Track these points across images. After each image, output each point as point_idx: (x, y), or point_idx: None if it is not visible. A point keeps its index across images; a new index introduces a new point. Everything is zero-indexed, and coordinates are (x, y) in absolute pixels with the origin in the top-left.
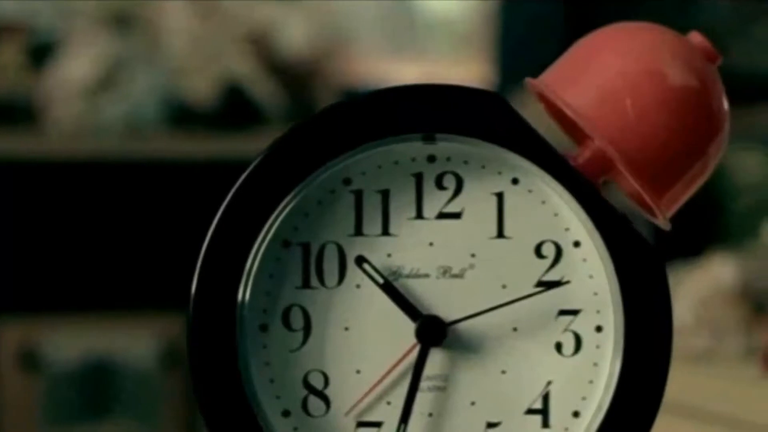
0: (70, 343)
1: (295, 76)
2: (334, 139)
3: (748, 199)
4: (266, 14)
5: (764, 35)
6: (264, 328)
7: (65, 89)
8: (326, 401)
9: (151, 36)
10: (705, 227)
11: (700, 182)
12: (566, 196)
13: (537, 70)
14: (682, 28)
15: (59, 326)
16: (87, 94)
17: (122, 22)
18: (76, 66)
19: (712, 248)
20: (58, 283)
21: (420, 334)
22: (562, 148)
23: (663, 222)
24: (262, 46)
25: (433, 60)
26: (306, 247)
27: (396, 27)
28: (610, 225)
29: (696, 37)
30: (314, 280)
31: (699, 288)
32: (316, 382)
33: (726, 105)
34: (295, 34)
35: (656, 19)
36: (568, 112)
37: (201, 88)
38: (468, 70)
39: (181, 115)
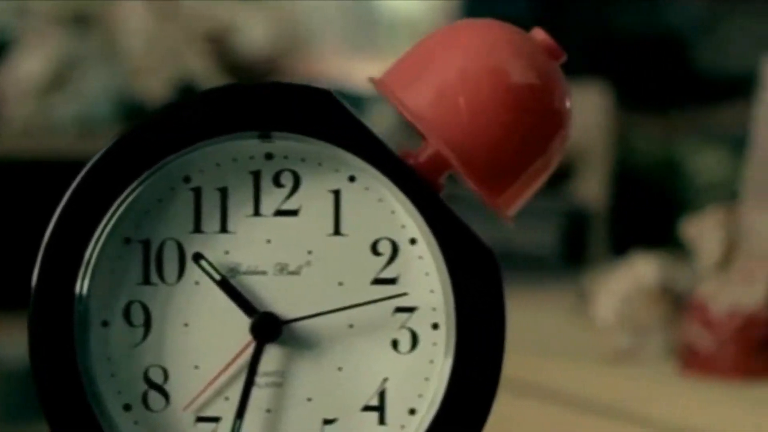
0: (21, 341)
1: (255, 76)
2: (172, 137)
3: (710, 197)
4: (226, 14)
5: (728, 35)
6: (105, 323)
7: (19, 88)
8: (166, 396)
9: (108, 35)
10: (667, 225)
11: (542, 179)
12: (401, 194)
13: None
14: (650, 28)
15: (10, 324)
16: (40, 93)
17: (79, 21)
18: (30, 64)
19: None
20: (9, 281)
21: (255, 331)
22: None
23: (507, 219)
24: (221, 46)
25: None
26: (146, 244)
27: (358, 26)
28: (444, 224)
29: (539, 34)
30: (154, 277)
31: (622, 287)
32: (156, 377)
33: (569, 102)
34: (255, 34)
35: (625, 19)
36: (404, 112)
37: (156, 87)
38: None
39: (136, 115)
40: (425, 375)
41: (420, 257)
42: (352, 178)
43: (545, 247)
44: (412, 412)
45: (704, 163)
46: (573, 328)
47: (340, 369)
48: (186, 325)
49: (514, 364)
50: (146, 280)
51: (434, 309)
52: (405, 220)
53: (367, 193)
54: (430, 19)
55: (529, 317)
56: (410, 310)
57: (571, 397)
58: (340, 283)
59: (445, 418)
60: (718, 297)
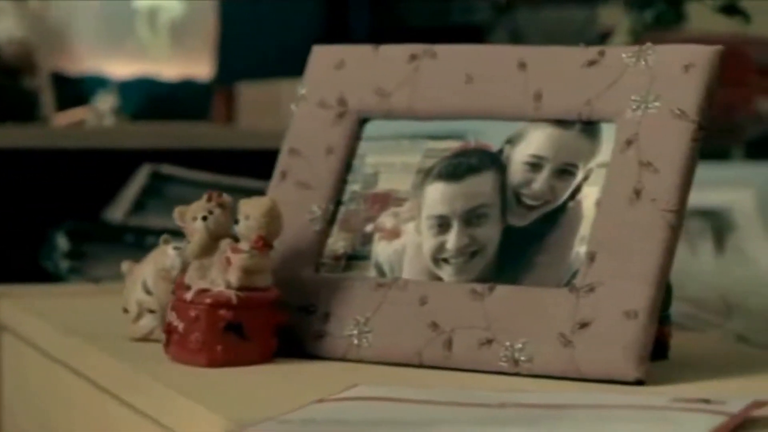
0: None
1: (5, 71)
2: None
3: None
4: None
5: (524, 26)
6: None
7: None
8: None
9: None
10: None
11: None
12: None
13: (255, 67)
14: (447, 24)
15: None
16: None
17: None
18: None
19: None
20: None
21: None
22: None
23: None
24: None
25: (151, 56)
26: None
27: (114, 21)
28: None
29: None
30: None
31: (145, 271)
32: None
33: None
34: (6, 28)
35: (421, 15)
36: None
37: None
38: (188, 66)
39: None
40: None
41: None
42: None
43: None
44: None
45: None
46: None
47: None
48: None
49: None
50: None
51: None
52: None
53: None
54: (190, 16)
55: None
56: None
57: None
58: None
59: None
60: (194, 281)
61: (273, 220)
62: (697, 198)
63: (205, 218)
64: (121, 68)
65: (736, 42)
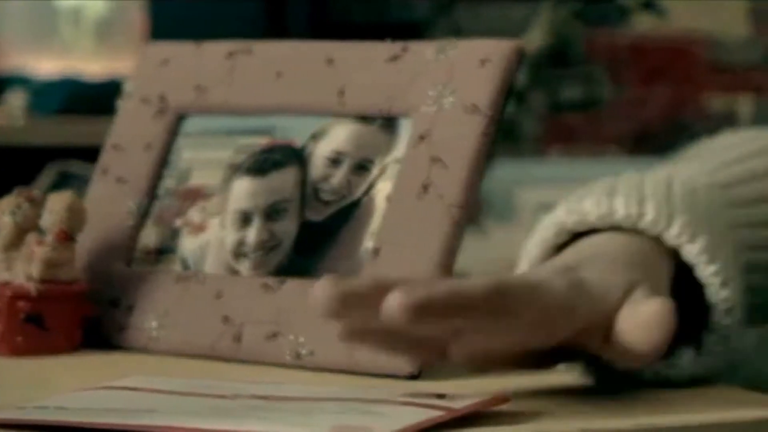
0: None
1: None
2: None
3: None
4: None
5: (462, 22)
6: None
7: None
8: None
9: None
10: None
11: None
12: None
13: None
14: (386, 20)
15: None
16: None
17: None
18: None
19: None
20: None
21: None
22: None
23: None
24: None
25: (76, 53)
26: None
27: (38, 19)
28: None
29: None
30: None
31: None
32: None
33: None
34: None
35: (359, 11)
36: None
37: None
38: (114, 64)
39: None
40: None
41: None
42: None
43: None
44: None
45: None
46: None
47: None
48: None
49: None
50: None
51: None
52: None
53: None
54: (116, 13)
55: None
56: None
57: None
58: None
59: None
60: (0, 274)
61: (74, 213)
62: None
63: (14, 213)
64: (45, 66)
65: (686, 40)
